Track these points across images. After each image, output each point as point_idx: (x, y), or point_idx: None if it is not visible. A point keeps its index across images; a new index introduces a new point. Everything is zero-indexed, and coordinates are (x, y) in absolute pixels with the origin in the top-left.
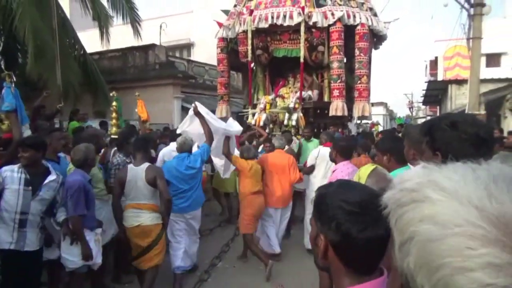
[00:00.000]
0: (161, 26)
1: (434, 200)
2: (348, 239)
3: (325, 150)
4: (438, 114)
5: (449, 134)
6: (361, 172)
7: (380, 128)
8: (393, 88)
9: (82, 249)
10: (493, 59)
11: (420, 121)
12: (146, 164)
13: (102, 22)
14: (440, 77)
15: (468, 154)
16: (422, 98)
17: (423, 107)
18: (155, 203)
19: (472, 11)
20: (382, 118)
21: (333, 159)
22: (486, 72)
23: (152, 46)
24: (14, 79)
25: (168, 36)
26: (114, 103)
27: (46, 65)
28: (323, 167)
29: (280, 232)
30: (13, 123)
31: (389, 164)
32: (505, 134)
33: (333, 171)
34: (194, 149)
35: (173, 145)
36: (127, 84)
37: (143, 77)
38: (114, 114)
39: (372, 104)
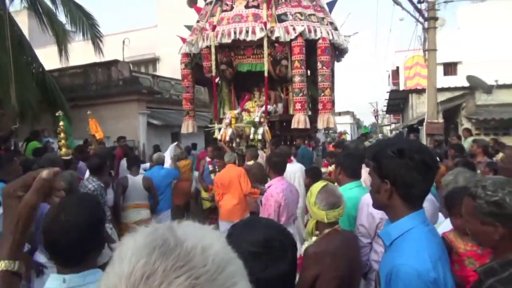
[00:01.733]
0: (124, 42)
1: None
2: (251, 279)
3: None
4: (401, 122)
5: (396, 161)
6: (313, 188)
7: (348, 137)
8: (359, 97)
9: None
10: (450, 68)
11: (385, 128)
12: (141, 175)
13: (60, 38)
14: (401, 86)
15: (415, 181)
16: (385, 107)
17: (388, 115)
18: (148, 202)
19: (426, 24)
20: (350, 127)
21: (267, 174)
22: (444, 81)
23: (114, 62)
24: None
25: (132, 51)
26: (61, 123)
27: (0, 85)
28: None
29: None
30: None
31: (339, 177)
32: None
33: (268, 187)
34: None
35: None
36: (89, 102)
37: (106, 94)
38: (62, 135)
39: (339, 113)
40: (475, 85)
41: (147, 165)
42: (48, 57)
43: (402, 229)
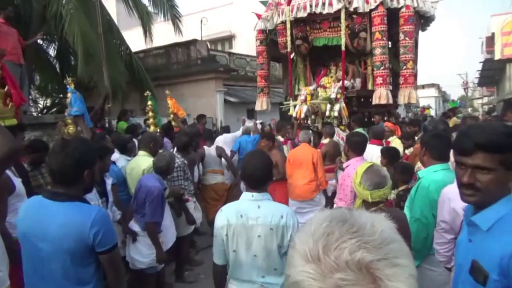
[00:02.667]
0: (201, 21)
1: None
2: None
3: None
4: (496, 95)
5: None
6: (358, 169)
7: (432, 112)
8: (446, 68)
9: (157, 253)
10: None
11: (476, 102)
12: (214, 146)
13: (145, 20)
14: (497, 55)
15: None
16: (477, 78)
17: (479, 87)
18: (222, 169)
19: None
20: (434, 101)
21: (346, 154)
22: None
23: (193, 42)
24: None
25: (209, 29)
26: (149, 102)
27: (95, 67)
28: None
29: None
30: (84, 127)
31: (424, 158)
32: None
33: (346, 167)
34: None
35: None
36: (171, 81)
37: (186, 73)
38: (150, 113)
39: (423, 86)
40: None
41: (234, 134)
42: (133, 39)
43: (503, 211)
